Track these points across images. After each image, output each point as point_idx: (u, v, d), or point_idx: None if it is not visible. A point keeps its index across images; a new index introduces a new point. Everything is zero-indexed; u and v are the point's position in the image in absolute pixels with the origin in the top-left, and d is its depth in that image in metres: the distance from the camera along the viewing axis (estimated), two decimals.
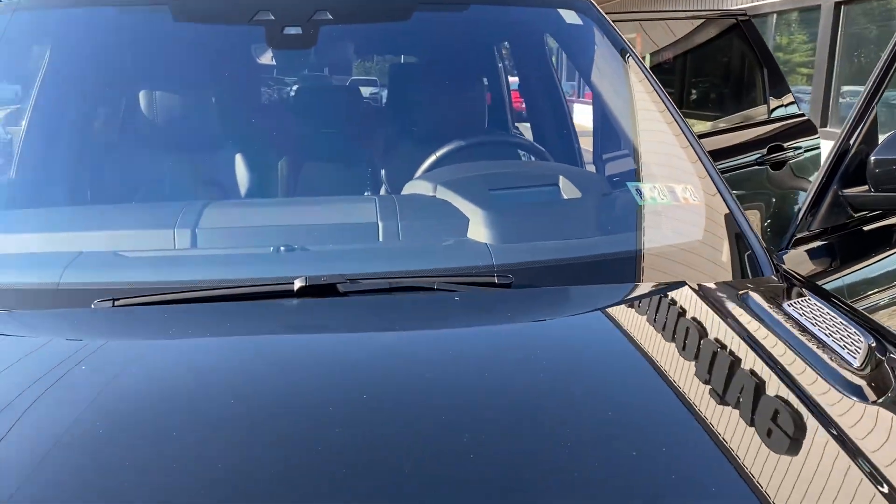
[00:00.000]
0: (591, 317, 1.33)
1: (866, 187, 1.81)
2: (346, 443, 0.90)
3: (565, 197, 1.69)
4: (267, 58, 2.56)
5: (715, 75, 4.68)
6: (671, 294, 1.38)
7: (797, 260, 1.70)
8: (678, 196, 1.66)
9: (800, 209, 1.83)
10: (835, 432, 0.95)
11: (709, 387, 1.08)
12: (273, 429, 0.94)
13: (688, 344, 1.19)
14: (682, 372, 1.11)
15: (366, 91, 3.55)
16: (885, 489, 0.85)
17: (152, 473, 0.85)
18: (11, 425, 0.93)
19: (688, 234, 1.60)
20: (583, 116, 2.80)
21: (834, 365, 1.11)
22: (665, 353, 1.16)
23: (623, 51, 1.90)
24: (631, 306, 1.36)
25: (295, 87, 2.64)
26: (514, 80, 3.05)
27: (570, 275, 1.41)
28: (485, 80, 2.65)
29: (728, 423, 0.97)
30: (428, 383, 1.05)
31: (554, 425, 0.95)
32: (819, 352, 1.15)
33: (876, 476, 0.87)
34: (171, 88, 2.08)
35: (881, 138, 1.87)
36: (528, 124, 2.69)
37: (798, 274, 1.54)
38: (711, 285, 1.42)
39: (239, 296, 1.27)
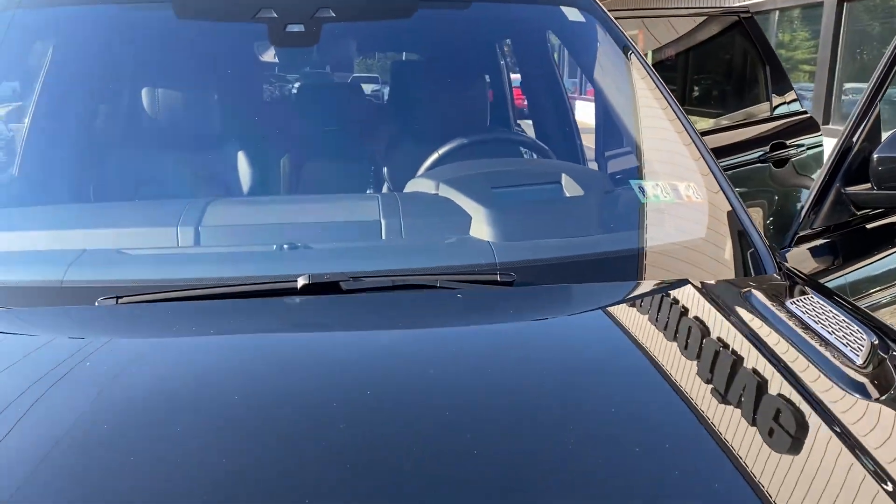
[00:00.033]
0: (593, 315, 1.34)
1: (869, 185, 1.81)
2: (351, 441, 0.90)
3: (568, 195, 1.69)
4: (270, 55, 2.56)
5: (717, 72, 4.68)
6: (674, 292, 1.38)
7: (800, 258, 1.70)
8: (681, 194, 1.66)
9: (802, 207, 1.82)
10: (838, 430, 0.95)
11: (711, 385, 1.08)
12: (277, 427, 0.94)
13: (690, 342, 1.19)
14: (685, 370, 1.11)
15: (367, 88, 3.55)
16: (889, 487, 0.85)
17: (156, 471, 0.85)
18: (14, 423, 0.93)
19: (690, 232, 1.60)
20: (585, 113, 2.80)
21: (836, 362, 1.11)
22: (668, 351, 1.16)
23: (626, 48, 1.90)
24: (633, 304, 1.36)
25: (297, 85, 2.64)
26: (515, 76, 3.05)
27: (573, 273, 1.41)
28: (487, 77, 2.65)
29: (731, 420, 0.97)
30: (431, 382, 1.05)
31: (558, 424, 0.95)
32: (822, 349, 1.15)
33: (879, 473, 0.87)
34: (174, 86, 2.08)
35: (884, 136, 1.87)
36: (529, 121, 2.69)
37: (801, 272, 1.54)
38: (714, 283, 1.42)
39: (242, 293, 1.28)
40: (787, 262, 1.58)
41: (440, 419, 0.96)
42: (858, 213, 1.88)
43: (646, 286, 1.43)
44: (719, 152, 3.01)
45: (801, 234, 1.77)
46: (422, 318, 1.31)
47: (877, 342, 1.20)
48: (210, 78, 2.16)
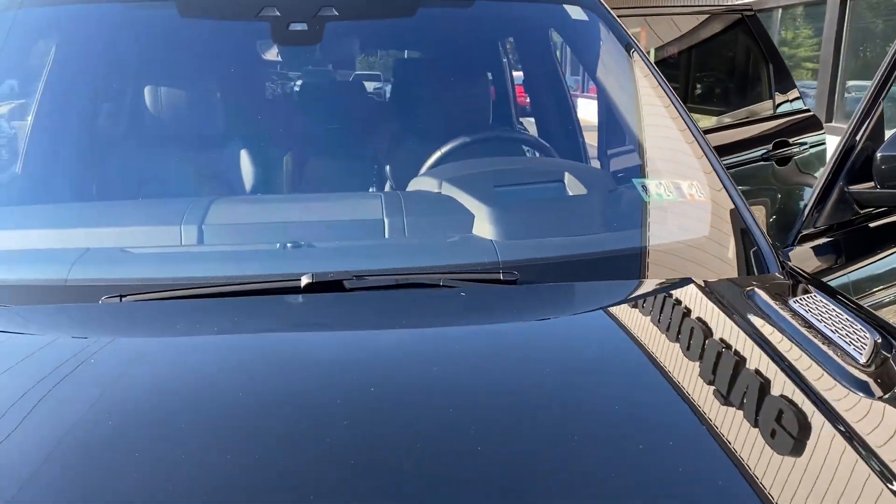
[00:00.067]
0: (596, 313, 1.34)
1: (872, 184, 1.81)
2: (354, 440, 0.91)
3: (570, 194, 1.69)
4: (272, 54, 2.56)
5: (720, 71, 4.67)
6: (677, 291, 1.38)
7: (803, 256, 1.70)
8: (684, 192, 1.66)
9: (806, 206, 1.82)
10: (842, 428, 0.95)
11: (715, 384, 1.08)
12: (281, 425, 0.94)
13: (694, 341, 1.20)
14: (689, 369, 1.11)
15: (370, 85, 3.55)
16: (894, 486, 0.85)
17: (160, 470, 0.86)
18: (18, 422, 0.93)
19: (694, 231, 1.60)
20: (587, 111, 2.80)
21: (840, 361, 1.11)
22: (671, 350, 1.16)
23: (628, 46, 1.90)
24: (636, 303, 1.36)
25: (300, 83, 2.65)
26: (517, 74, 3.04)
27: (576, 271, 1.41)
28: (489, 75, 2.65)
29: (735, 419, 0.97)
30: (434, 381, 1.06)
31: (562, 423, 0.95)
32: (825, 348, 1.15)
33: (885, 472, 0.87)
34: (177, 84, 2.08)
35: (888, 134, 1.87)
36: (532, 119, 2.69)
37: (804, 271, 1.54)
38: (717, 282, 1.42)
39: (246, 292, 1.28)
40: (790, 260, 1.58)
41: (444, 418, 0.96)
42: (861, 212, 1.87)
43: (649, 285, 1.43)
44: (722, 150, 3.01)
45: (805, 232, 1.76)
46: (425, 317, 1.32)
47: (880, 341, 1.20)
48: (213, 76, 2.16)
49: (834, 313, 1.29)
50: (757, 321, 1.24)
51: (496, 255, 1.40)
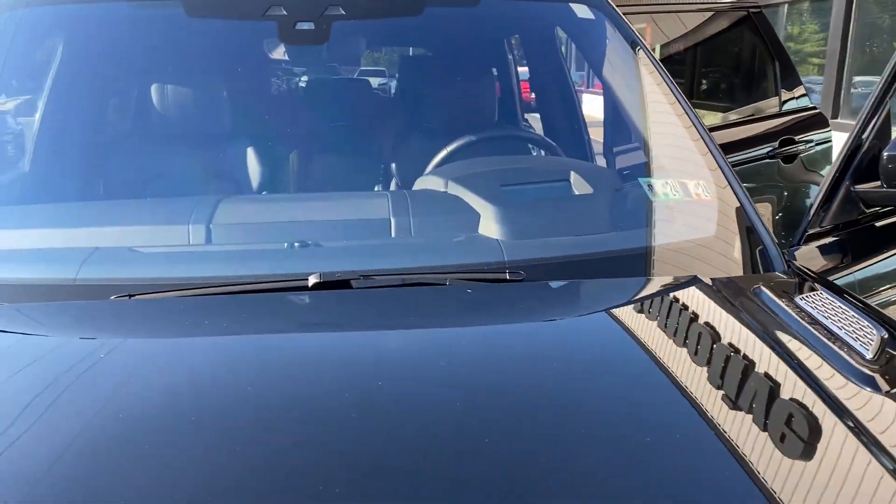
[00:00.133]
0: (603, 313, 1.34)
1: (879, 183, 1.81)
2: (361, 439, 0.91)
3: (576, 193, 1.69)
4: (279, 53, 2.57)
5: (726, 67, 4.66)
6: (683, 289, 1.38)
7: (809, 256, 1.70)
8: (689, 191, 1.66)
9: (812, 205, 1.82)
10: (850, 424, 0.95)
11: (722, 381, 1.08)
12: (289, 424, 0.95)
13: (700, 339, 1.20)
14: (696, 367, 1.12)
15: (374, 82, 3.56)
16: None
17: (171, 469, 0.86)
18: (30, 421, 0.94)
19: (699, 229, 1.61)
20: (592, 107, 2.80)
21: (847, 357, 1.11)
22: (678, 348, 1.16)
23: (634, 44, 1.90)
24: (643, 301, 1.36)
25: (306, 80, 2.65)
26: (522, 69, 3.04)
27: (581, 270, 1.42)
28: (495, 74, 2.65)
29: (742, 417, 0.98)
30: (441, 380, 1.06)
31: (570, 422, 0.96)
32: (831, 344, 1.15)
33: (894, 469, 0.87)
34: (184, 83, 2.09)
35: (894, 133, 1.86)
36: (537, 115, 2.69)
37: (810, 269, 1.54)
38: (723, 280, 1.42)
39: (254, 292, 1.29)
40: (796, 259, 1.58)
41: (452, 418, 0.96)
42: (868, 211, 1.87)
43: (655, 283, 1.43)
44: (728, 148, 3.01)
45: (811, 231, 1.76)
46: (432, 316, 1.32)
47: (886, 337, 1.20)
48: (220, 75, 2.17)
49: (840, 310, 1.29)
50: (763, 318, 1.24)
51: (502, 255, 1.41)
